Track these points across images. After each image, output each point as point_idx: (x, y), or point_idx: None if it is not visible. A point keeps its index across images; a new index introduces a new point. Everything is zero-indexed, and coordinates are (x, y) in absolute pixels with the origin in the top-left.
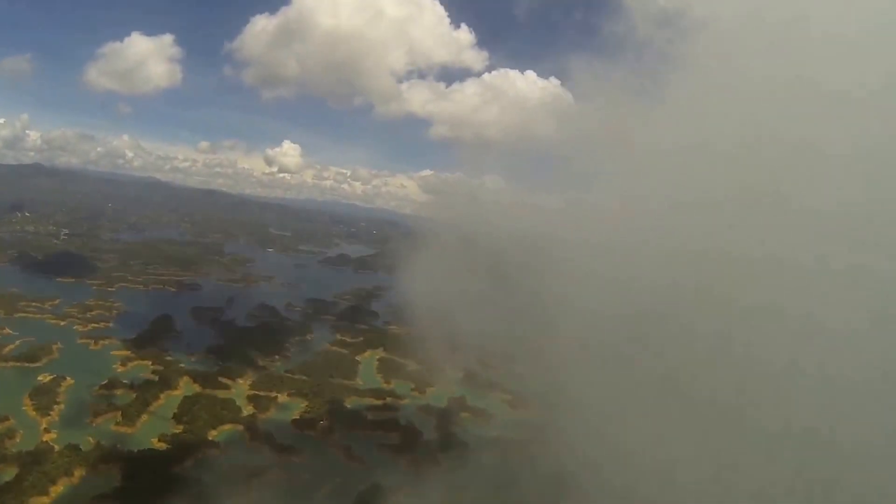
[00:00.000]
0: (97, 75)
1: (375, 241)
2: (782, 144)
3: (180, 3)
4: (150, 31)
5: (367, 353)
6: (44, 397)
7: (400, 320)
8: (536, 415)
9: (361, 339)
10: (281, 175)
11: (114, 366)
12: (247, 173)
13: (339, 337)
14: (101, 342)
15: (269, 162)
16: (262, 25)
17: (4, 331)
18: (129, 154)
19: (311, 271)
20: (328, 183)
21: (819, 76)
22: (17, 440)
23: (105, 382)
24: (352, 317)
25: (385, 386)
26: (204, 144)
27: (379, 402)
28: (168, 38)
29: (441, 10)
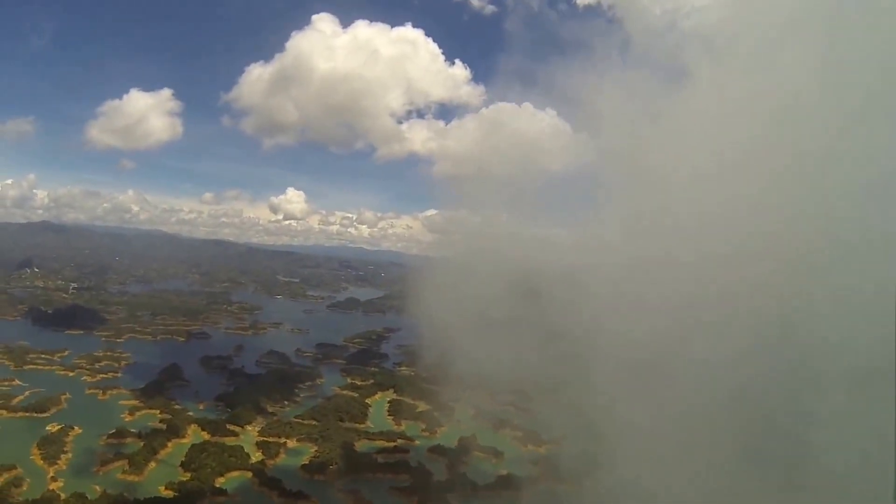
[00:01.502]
0: (99, 133)
1: (384, 283)
2: (788, 151)
3: (177, 56)
4: (149, 86)
5: (378, 396)
6: (51, 446)
7: (410, 361)
8: (548, 450)
9: (371, 381)
10: (287, 222)
11: (122, 415)
12: (252, 222)
13: (348, 380)
14: (110, 392)
15: (274, 210)
16: (257, 74)
17: (14, 382)
18: (135, 208)
19: (320, 316)
20: (334, 228)
21: (814, 82)
22: (24, 488)
23: (113, 431)
24: (362, 360)
25: (395, 428)
26: (208, 196)
27: (389, 445)
28: (167, 93)
29: (435, 47)
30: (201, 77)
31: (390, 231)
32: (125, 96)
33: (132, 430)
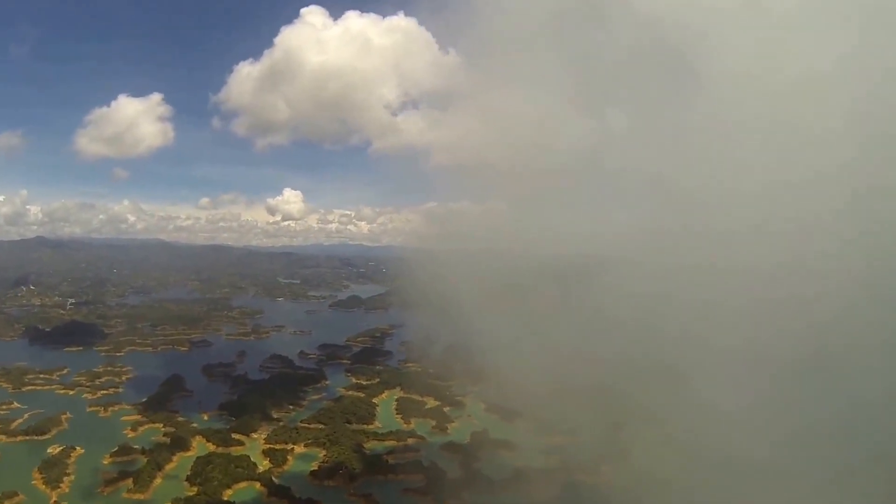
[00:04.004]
0: (89, 142)
1: (385, 279)
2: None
3: (164, 59)
4: (137, 91)
5: (385, 395)
6: (53, 470)
7: (416, 358)
8: (563, 440)
9: (377, 380)
10: (285, 223)
11: (124, 431)
12: (251, 225)
13: (354, 380)
14: (111, 409)
15: (272, 211)
16: (247, 72)
17: (12, 405)
18: (131, 218)
19: (322, 317)
20: (333, 226)
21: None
22: None
23: (116, 449)
24: (366, 359)
25: (405, 427)
26: (205, 201)
27: (400, 444)
28: (156, 98)
29: (428, 35)
30: (190, 79)
31: (390, 226)
32: (113, 103)
33: (136, 447)
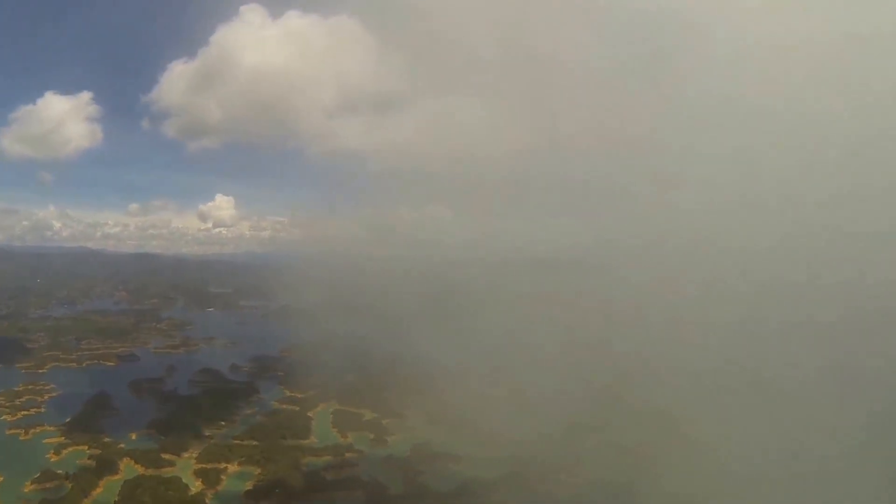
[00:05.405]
0: (12, 142)
1: (320, 287)
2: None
3: (94, 55)
4: (65, 89)
5: (320, 407)
6: None
7: (351, 368)
8: (508, 450)
9: (312, 392)
10: (217, 230)
11: (47, 455)
12: (181, 232)
13: (287, 393)
14: (32, 431)
15: (203, 218)
16: (180, 71)
17: None
18: (57, 225)
19: (254, 327)
20: (266, 233)
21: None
22: None
23: (38, 475)
24: (300, 370)
25: (342, 441)
26: (134, 207)
27: (338, 459)
28: (85, 96)
29: (371, 38)
30: (121, 77)
31: (326, 233)
32: (39, 101)
33: (60, 472)
